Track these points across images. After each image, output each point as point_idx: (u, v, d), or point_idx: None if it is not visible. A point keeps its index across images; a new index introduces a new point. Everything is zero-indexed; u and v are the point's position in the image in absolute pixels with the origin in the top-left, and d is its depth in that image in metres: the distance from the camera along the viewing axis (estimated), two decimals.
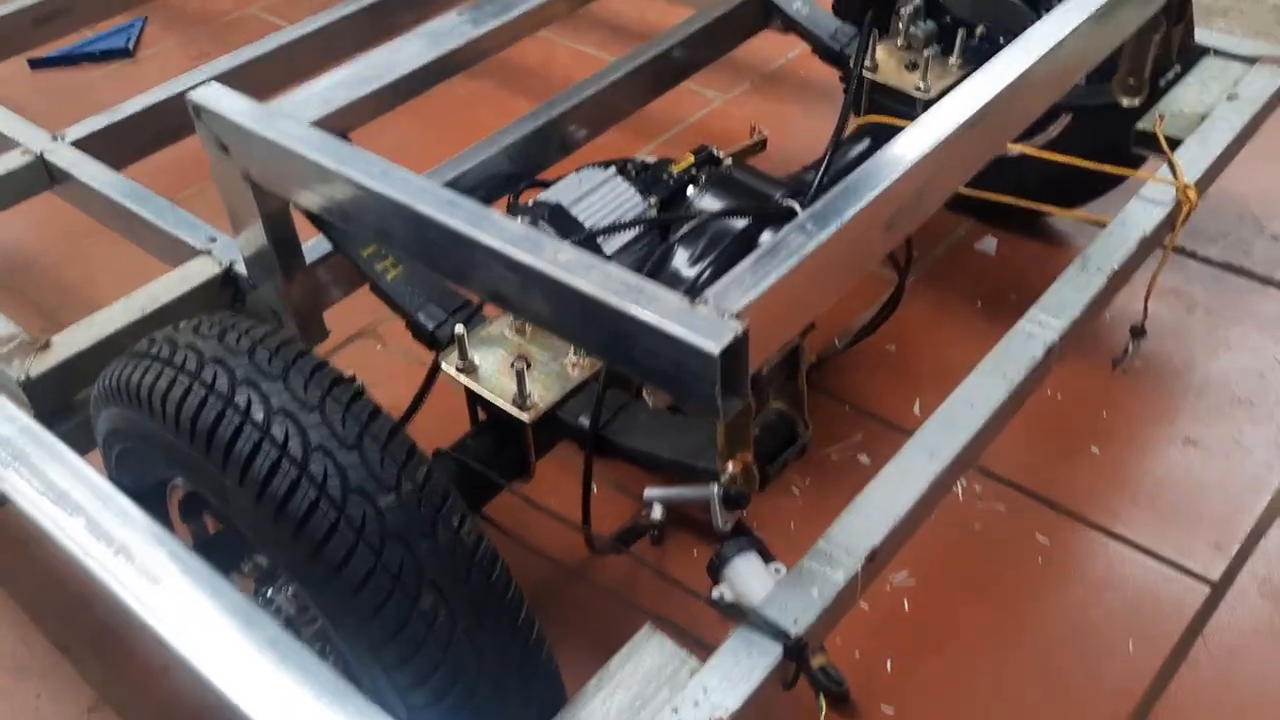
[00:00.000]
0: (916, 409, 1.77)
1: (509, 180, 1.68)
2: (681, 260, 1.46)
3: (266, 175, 1.23)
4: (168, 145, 1.80)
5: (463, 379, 1.28)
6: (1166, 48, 1.49)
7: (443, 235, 1.04)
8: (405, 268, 1.36)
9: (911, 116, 1.69)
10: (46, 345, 1.35)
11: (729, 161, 1.60)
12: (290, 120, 1.19)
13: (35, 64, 2.87)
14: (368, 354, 1.97)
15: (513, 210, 1.59)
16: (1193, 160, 1.55)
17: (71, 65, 2.90)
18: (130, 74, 2.89)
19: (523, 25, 1.55)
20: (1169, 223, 1.50)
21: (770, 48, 2.51)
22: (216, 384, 1.01)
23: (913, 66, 1.72)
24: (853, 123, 1.73)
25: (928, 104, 1.67)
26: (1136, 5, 1.38)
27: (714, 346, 0.86)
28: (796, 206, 1.45)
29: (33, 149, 1.67)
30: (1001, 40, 1.84)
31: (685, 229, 1.47)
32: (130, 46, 2.93)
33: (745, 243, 1.47)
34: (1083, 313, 1.36)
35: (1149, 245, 1.47)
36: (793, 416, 1.16)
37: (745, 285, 0.92)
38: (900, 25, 1.77)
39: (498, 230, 1.01)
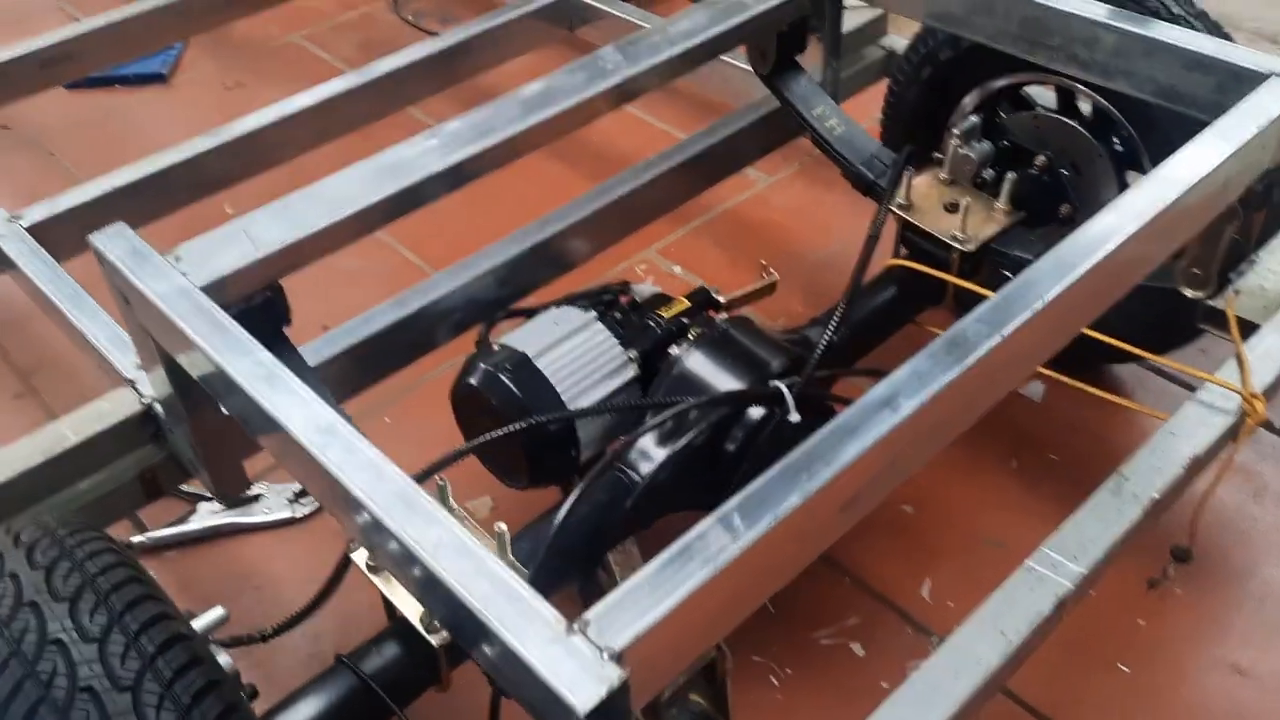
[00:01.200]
0: (925, 591, 1.56)
1: (493, 305, 1.52)
2: (649, 440, 1.29)
3: (157, 332, 1.09)
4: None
5: (375, 579, 1.13)
6: (1245, 235, 1.26)
7: (310, 468, 0.88)
8: None
9: (946, 265, 1.50)
10: None
11: (724, 317, 1.41)
12: (176, 283, 1.05)
13: (71, 85, 2.79)
14: None
15: (480, 348, 1.43)
16: (1268, 355, 1.32)
17: (106, 88, 2.82)
18: (163, 99, 2.79)
19: (515, 146, 1.37)
20: (1230, 434, 1.27)
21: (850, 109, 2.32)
22: None
23: (954, 208, 1.51)
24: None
25: (965, 256, 1.48)
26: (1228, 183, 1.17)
27: (580, 702, 0.69)
28: (785, 390, 1.26)
29: None
30: (1064, 173, 1.62)
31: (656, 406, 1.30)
32: (166, 72, 2.84)
33: (720, 429, 1.29)
34: (1108, 553, 1.15)
35: (1201, 465, 1.25)
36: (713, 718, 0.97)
37: (638, 610, 0.74)
38: (950, 146, 1.56)
39: (371, 482, 0.84)
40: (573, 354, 1.35)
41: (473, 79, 2.06)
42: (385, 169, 1.27)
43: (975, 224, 1.50)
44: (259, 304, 1.21)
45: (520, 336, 1.37)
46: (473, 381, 1.33)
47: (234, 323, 1.01)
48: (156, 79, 2.83)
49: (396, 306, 1.43)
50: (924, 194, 1.55)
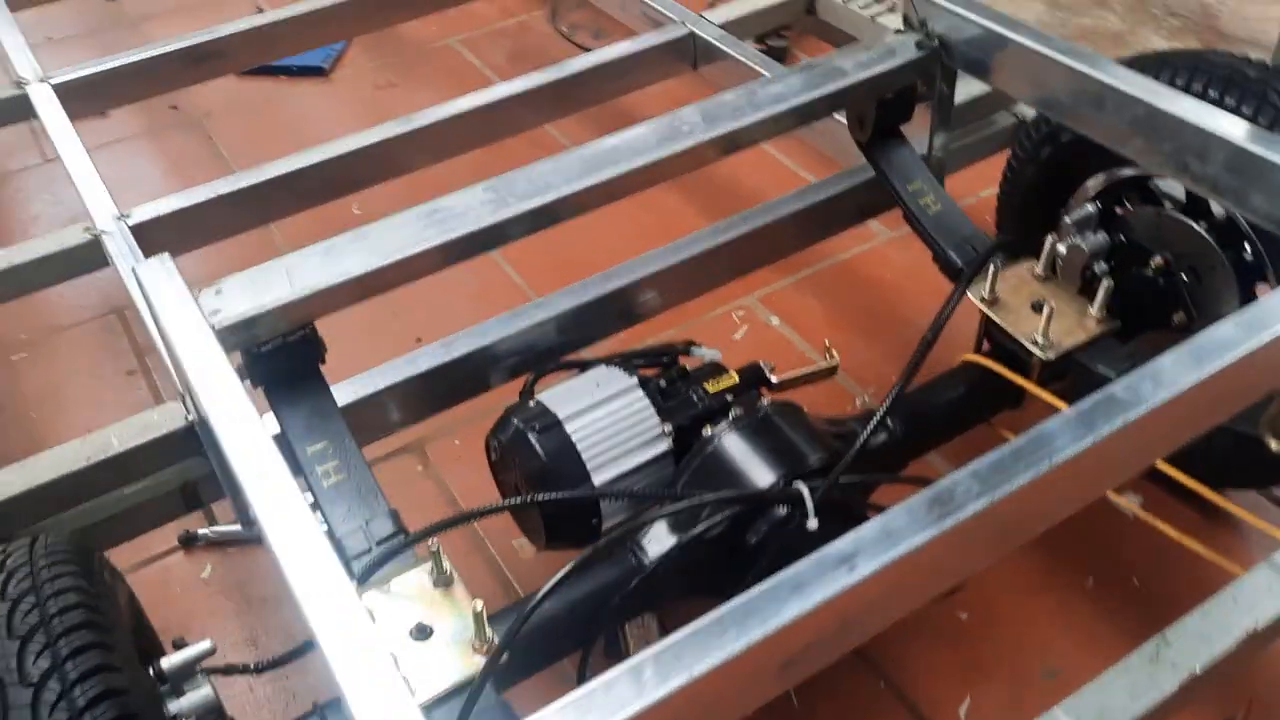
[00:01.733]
0: (962, 713, 1.46)
1: (548, 353, 1.51)
2: (662, 525, 1.25)
3: (175, 365, 1.13)
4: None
5: None
6: None
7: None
8: (347, 479, 1.23)
9: (1027, 368, 1.40)
10: None
11: (766, 402, 1.35)
12: (194, 323, 1.08)
13: (243, 72, 2.93)
14: (407, 473, 1.86)
15: (524, 397, 1.42)
16: None
17: (271, 75, 2.95)
18: (320, 92, 2.90)
19: (570, 205, 1.35)
20: None
21: (968, 179, 2.19)
22: None
23: (1041, 307, 1.41)
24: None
25: (1045, 365, 1.37)
26: None
27: None
28: (805, 492, 1.20)
29: (94, 228, 1.64)
30: (1184, 278, 1.49)
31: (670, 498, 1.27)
32: (327, 66, 2.95)
33: (741, 520, 1.23)
34: None
35: (1262, 642, 1.12)
36: None
37: None
38: (1049, 242, 1.45)
39: (304, 577, 0.84)
40: (606, 421, 1.33)
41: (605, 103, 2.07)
42: (435, 219, 1.27)
43: (1061, 329, 1.38)
44: (294, 341, 1.23)
45: (558, 395, 1.35)
46: (502, 438, 1.33)
47: (233, 374, 1.02)
48: (317, 72, 2.94)
49: (443, 350, 1.43)
50: (1014, 287, 1.44)
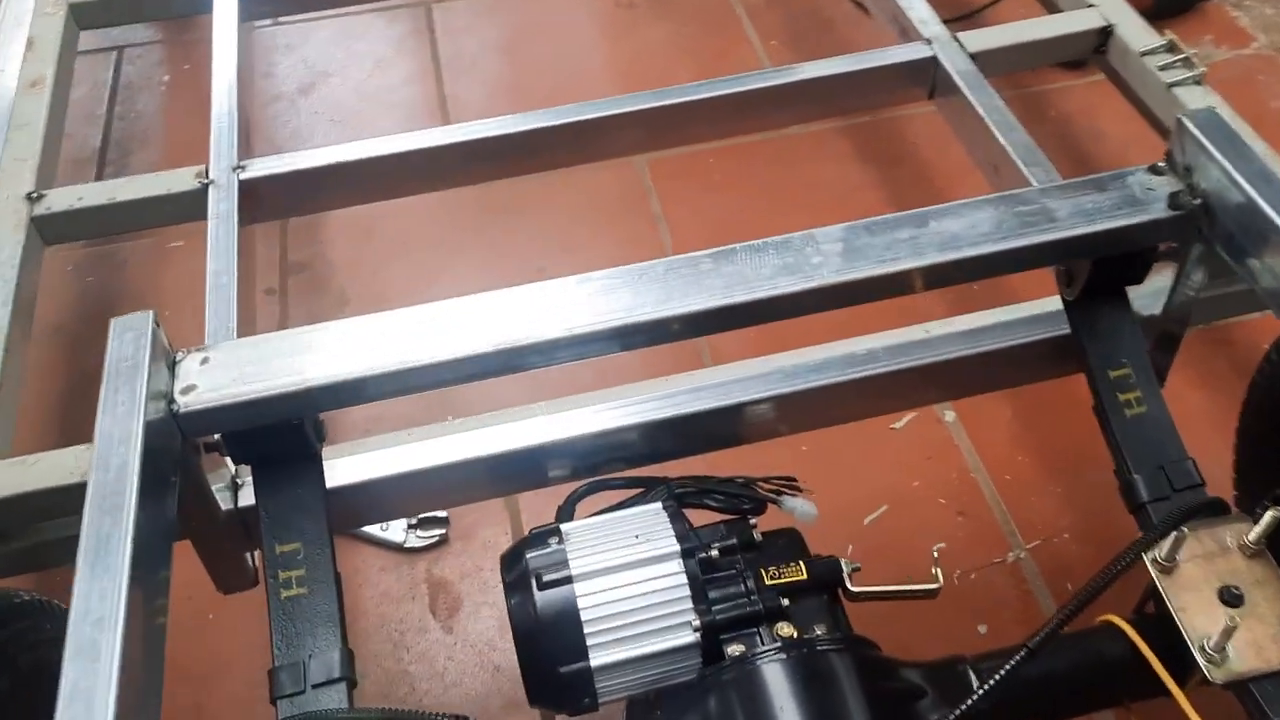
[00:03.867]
0: None
1: (606, 464, 1.28)
2: None
3: None
4: None
5: None
6: None
7: None
8: (308, 596, 1.06)
9: (1183, 669, 1.05)
10: None
11: (832, 634, 1.07)
12: (138, 405, 0.92)
13: None
14: None
15: (560, 515, 1.21)
16: None
17: None
18: None
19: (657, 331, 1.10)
20: None
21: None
22: None
23: (1234, 599, 1.04)
24: None
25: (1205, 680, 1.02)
26: None
27: None
28: None
29: (206, 176, 1.52)
30: None
31: None
32: None
33: None
34: None
35: None
36: None
37: None
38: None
39: None
40: (626, 592, 1.09)
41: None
42: (492, 321, 1.05)
43: (1250, 639, 1.02)
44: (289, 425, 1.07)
45: (586, 536, 1.13)
46: (507, 575, 1.12)
47: (136, 487, 0.86)
48: None
49: (477, 438, 1.23)
50: (1206, 557, 1.07)
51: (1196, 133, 1.08)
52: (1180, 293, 1.19)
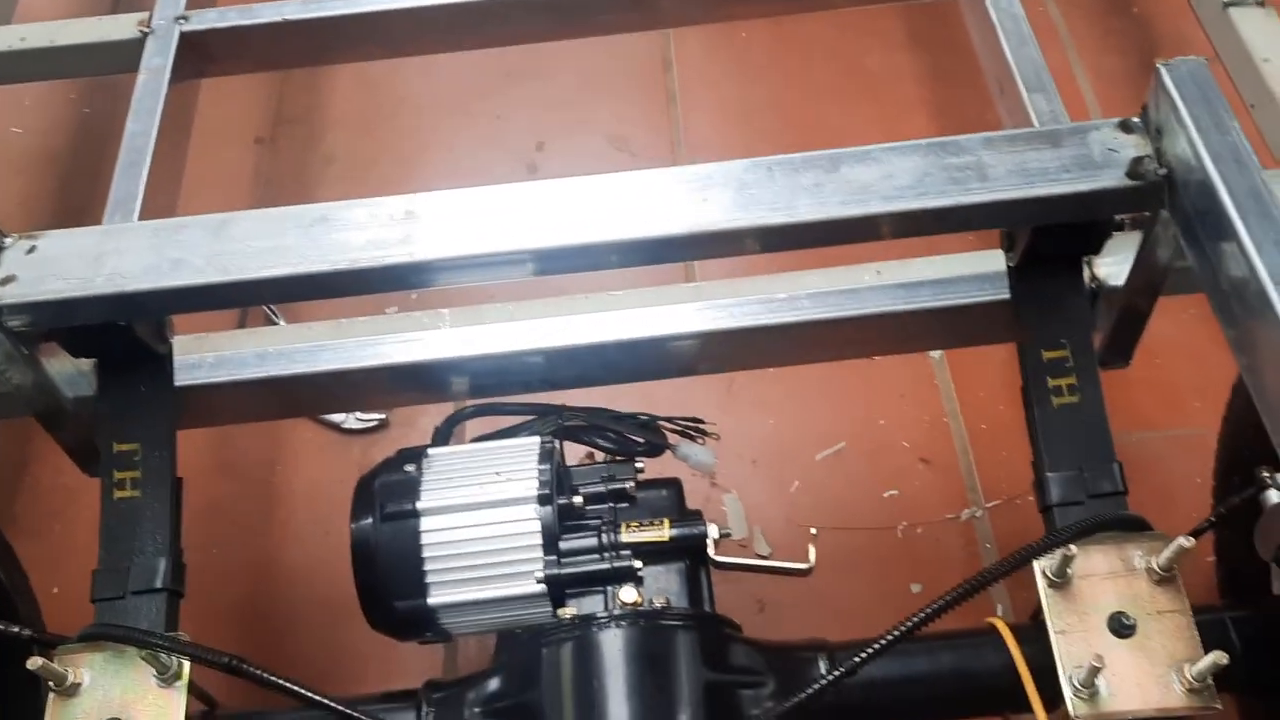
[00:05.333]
0: None
1: (512, 386, 1.20)
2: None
3: None
4: None
5: None
6: None
7: None
8: (140, 499, 1.02)
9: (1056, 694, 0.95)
10: None
11: (669, 604, 0.99)
12: None
13: None
14: None
15: (435, 439, 1.14)
16: None
17: None
18: None
19: None
20: None
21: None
22: None
23: (1119, 628, 0.93)
24: None
25: None
26: None
27: None
28: None
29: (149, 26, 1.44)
30: None
31: None
32: None
33: None
34: None
35: None
36: None
37: None
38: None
39: None
40: (473, 534, 1.03)
41: None
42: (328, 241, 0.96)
43: (1127, 677, 0.91)
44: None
45: (444, 467, 1.07)
46: (357, 501, 1.06)
47: None
48: None
49: (359, 347, 1.15)
50: (1105, 575, 0.95)
51: (1172, 88, 0.91)
52: (1145, 265, 1.02)
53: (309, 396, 1.18)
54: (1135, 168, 0.93)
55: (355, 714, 0.92)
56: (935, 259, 1.20)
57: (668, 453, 1.17)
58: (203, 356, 1.13)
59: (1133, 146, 0.95)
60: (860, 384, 1.61)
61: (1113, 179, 0.93)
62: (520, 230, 0.98)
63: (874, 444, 1.56)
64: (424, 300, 1.57)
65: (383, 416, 1.61)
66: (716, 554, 1.03)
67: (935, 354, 1.63)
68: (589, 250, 0.99)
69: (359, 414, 1.60)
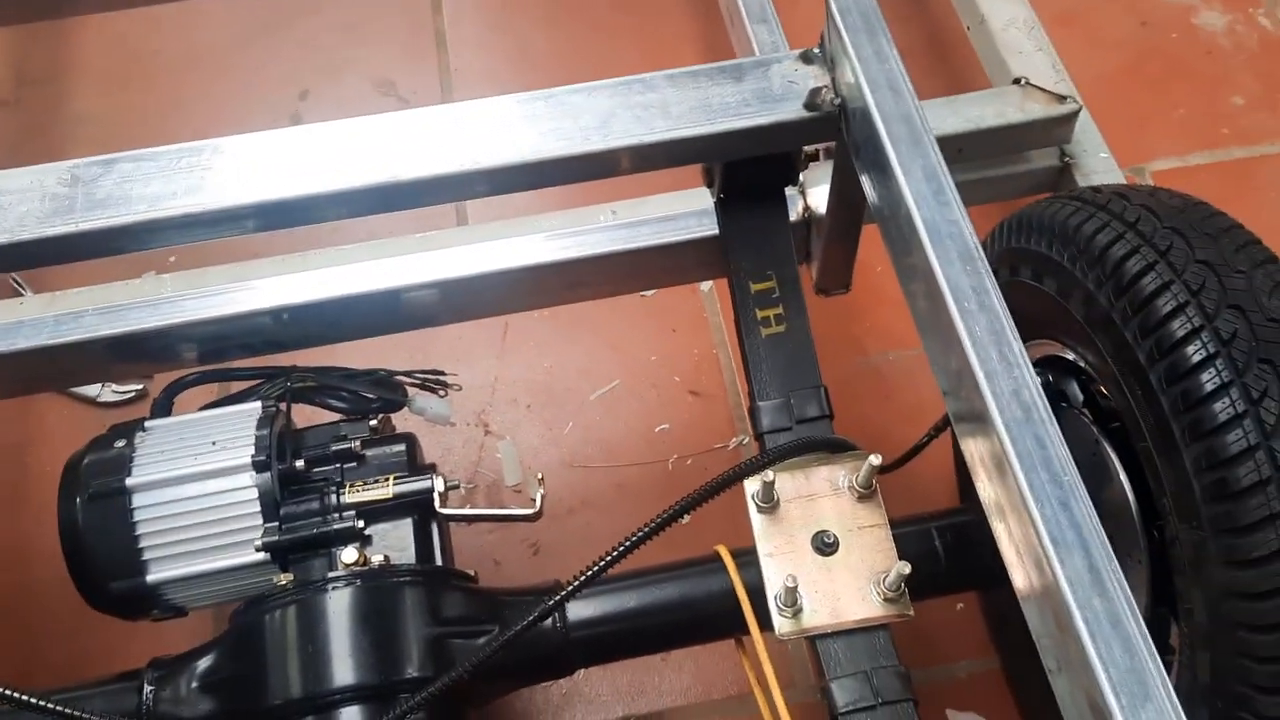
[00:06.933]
0: None
1: (262, 347, 1.17)
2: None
3: None
4: None
5: None
6: None
7: None
8: None
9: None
10: None
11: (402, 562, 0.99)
12: None
13: None
14: None
15: (154, 410, 1.10)
16: None
17: None
18: None
19: None
20: None
21: None
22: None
23: (822, 547, 0.96)
24: None
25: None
26: None
27: None
28: None
29: None
30: None
31: None
32: None
33: None
34: None
35: None
36: None
37: None
38: None
39: None
40: (188, 506, 1.01)
41: None
42: None
43: (827, 593, 0.95)
44: None
45: (160, 440, 1.04)
46: (60, 486, 1.02)
47: None
48: None
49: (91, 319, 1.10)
50: (810, 498, 0.98)
51: (838, 18, 0.92)
52: (840, 194, 1.05)
53: (24, 374, 1.12)
54: (812, 99, 0.94)
55: (52, 706, 0.88)
56: (668, 196, 1.22)
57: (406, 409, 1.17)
58: None
59: (812, 78, 0.96)
60: (635, 321, 1.62)
61: (791, 111, 0.94)
62: (227, 187, 0.94)
63: (646, 380, 1.58)
64: (186, 258, 1.50)
65: (140, 386, 1.55)
66: (445, 507, 1.03)
67: (704, 287, 1.65)
68: (303, 203, 0.96)
69: (114, 385, 1.54)
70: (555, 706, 1.33)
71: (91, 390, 1.54)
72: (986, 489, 0.76)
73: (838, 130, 0.96)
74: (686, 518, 0.97)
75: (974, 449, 0.78)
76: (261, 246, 1.37)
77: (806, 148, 1.01)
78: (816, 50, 0.98)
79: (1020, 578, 0.74)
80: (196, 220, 0.95)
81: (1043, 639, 0.71)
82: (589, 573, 0.91)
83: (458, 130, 0.94)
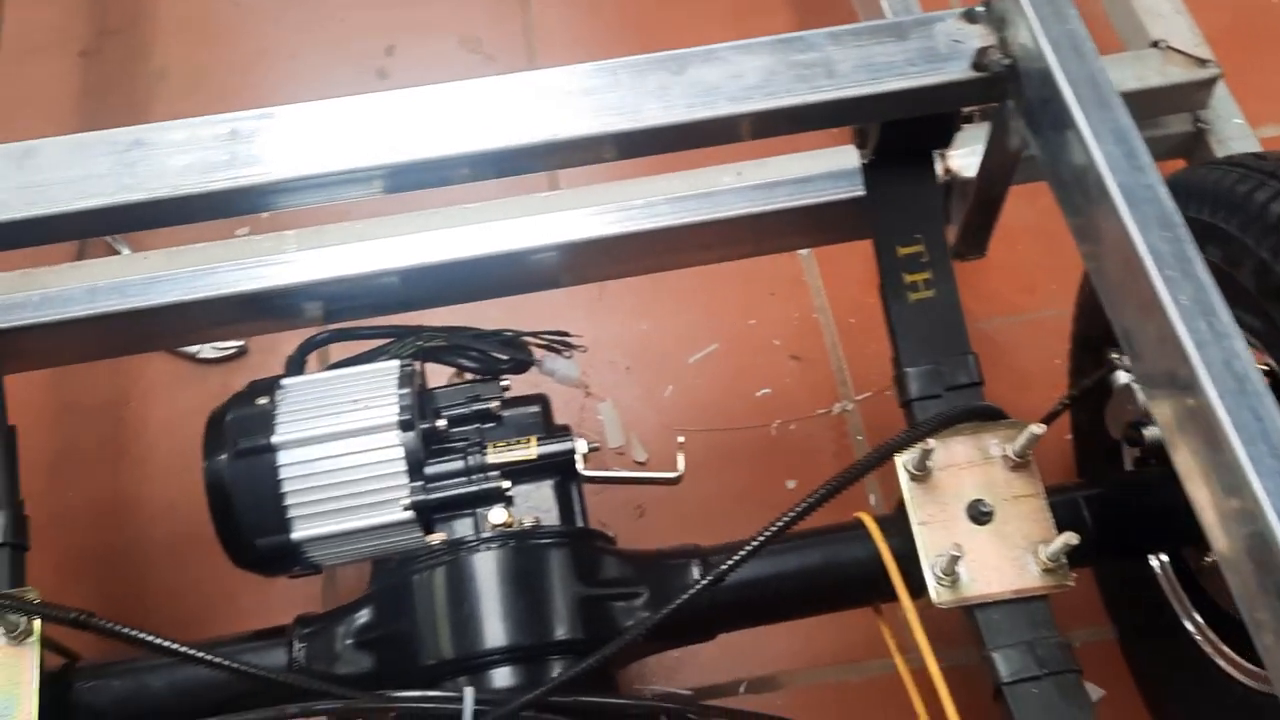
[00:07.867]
0: None
1: (378, 309, 1.16)
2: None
3: None
4: None
5: None
6: None
7: None
8: None
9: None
10: None
11: (548, 524, 0.98)
12: None
13: None
14: None
15: (289, 367, 1.10)
16: None
17: None
18: None
19: None
20: None
21: None
22: None
23: (978, 515, 0.95)
24: None
25: None
26: None
27: None
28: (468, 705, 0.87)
29: None
30: None
31: None
32: None
33: None
34: None
35: None
36: None
37: None
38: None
39: None
40: (334, 464, 1.00)
41: None
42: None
43: (984, 562, 0.94)
44: None
45: (301, 397, 1.03)
46: (208, 439, 1.02)
47: None
48: None
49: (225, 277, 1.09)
50: (963, 466, 0.97)
51: None
52: (995, 156, 1.03)
53: (148, 332, 1.12)
54: (980, 59, 0.92)
55: (208, 658, 0.88)
56: (794, 157, 1.20)
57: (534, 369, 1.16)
58: (28, 295, 1.06)
59: (977, 37, 0.94)
60: (731, 285, 1.60)
61: (958, 71, 0.92)
62: (359, 146, 0.93)
63: (746, 344, 1.57)
64: (276, 221, 1.50)
65: (241, 344, 1.55)
66: (586, 468, 1.03)
67: (803, 251, 1.63)
68: (437, 164, 0.94)
69: (215, 342, 1.54)
70: (668, 669, 1.33)
71: (191, 347, 1.54)
72: (1189, 460, 0.75)
73: (1004, 91, 0.94)
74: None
75: (1172, 418, 0.76)
76: (346, 212, 1.36)
77: (965, 109, 0.99)
78: (981, 9, 0.95)
79: (1222, 542, 0.73)
80: (331, 180, 0.94)
81: (1252, 602, 0.71)
82: (759, 540, 0.90)
83: (616, 89, 0.93)
